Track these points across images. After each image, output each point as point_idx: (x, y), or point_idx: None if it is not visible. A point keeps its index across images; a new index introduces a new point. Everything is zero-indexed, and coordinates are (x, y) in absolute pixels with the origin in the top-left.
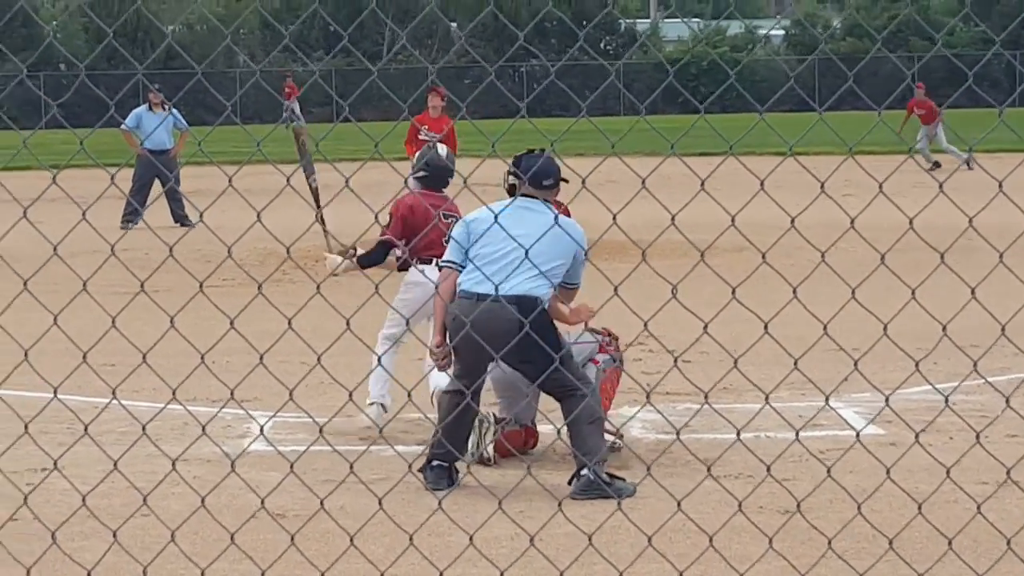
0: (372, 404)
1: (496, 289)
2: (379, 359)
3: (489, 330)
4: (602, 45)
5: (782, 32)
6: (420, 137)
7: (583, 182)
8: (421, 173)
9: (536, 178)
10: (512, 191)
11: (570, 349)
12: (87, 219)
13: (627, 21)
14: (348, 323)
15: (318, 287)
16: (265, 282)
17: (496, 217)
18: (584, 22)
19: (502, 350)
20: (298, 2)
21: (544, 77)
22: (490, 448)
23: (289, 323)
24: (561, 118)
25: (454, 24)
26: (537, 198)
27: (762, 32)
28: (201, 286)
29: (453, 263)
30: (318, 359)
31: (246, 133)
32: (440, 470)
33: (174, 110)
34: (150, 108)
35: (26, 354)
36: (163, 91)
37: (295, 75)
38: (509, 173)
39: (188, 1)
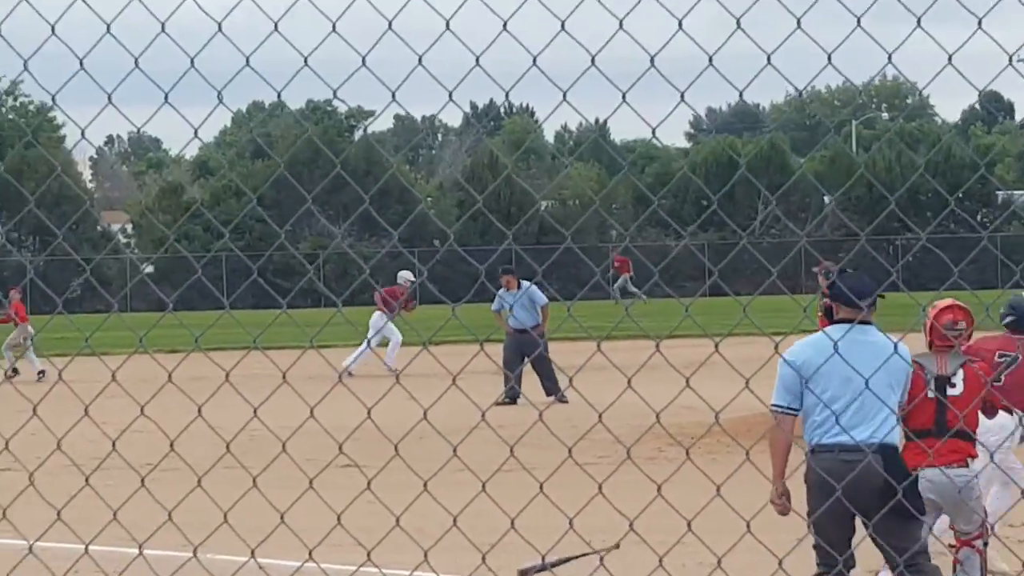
0: None
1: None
2: None
3: (860, 487)
4: (979, 217)
5: None
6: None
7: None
8: (1009, 318)
9: (855, 298)
10: (828, 314)
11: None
12: (463, 390)
13: (1004, 192)
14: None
15: (718, 489)
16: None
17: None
18: (959, 194)
19: (872, 506)
20: (670, 176)
21: (919, 251)
22: None
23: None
24: (938, 291)
25: (827, 197)
26: (855, 320)
27: None
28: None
29: (787, 408)
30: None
31: (617, 306)
32: None
33: (529, 286)
34: (507, 288)
35: (426, 554)
36: (513, 271)
37: (623, 249)
38: (823, 295)
39: (561, 176)
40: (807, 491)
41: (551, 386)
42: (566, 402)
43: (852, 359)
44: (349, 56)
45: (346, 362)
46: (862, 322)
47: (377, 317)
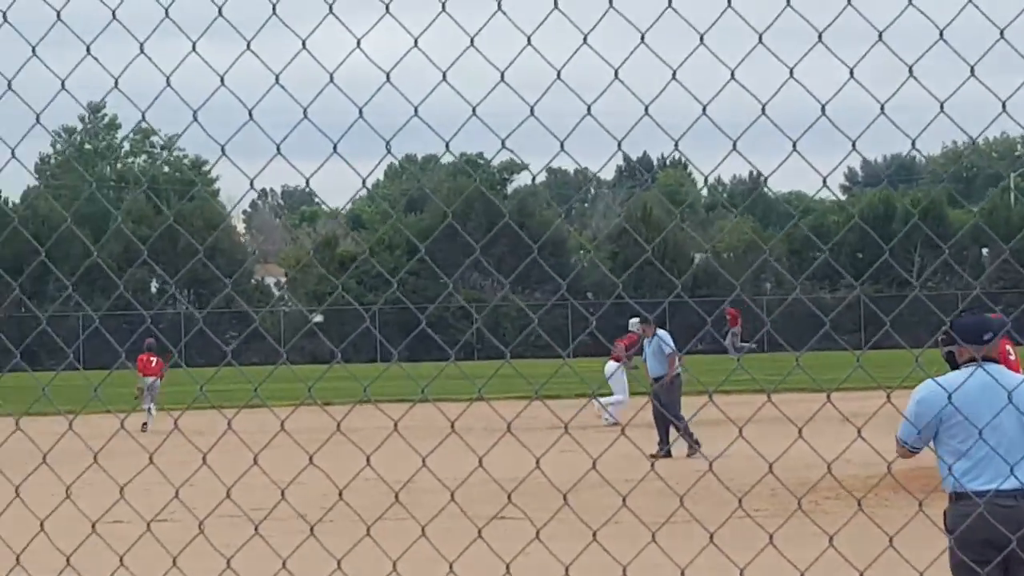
0: None
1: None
2: None
3: (1014, 533)
4: None
5: None
6: None
7: None
8: None
9: (977, 335)
10: (951, 360)
11: None
12: (630, 439)
13: None
14: None
15: (891, 540)
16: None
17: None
18: None
19: (1019, 554)
20: (825, 228)
21: None
22: None
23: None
24: None
25: (985, 249)
26: (979, 360)
27: None
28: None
29: (913, 447)
30: None
31: (772, 361)
32: None
33: (661, 334)
34: (645, 337)
35: None
36: (649, 319)
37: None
38: (942, 340)
39: (715, 230)
40: (954, 543)
41: (687, 438)
42: (702, 456)
43: (992, 401)
44: (497, 107)
45: (605, 417)
46: (991, 360)
47: (612, 366)
